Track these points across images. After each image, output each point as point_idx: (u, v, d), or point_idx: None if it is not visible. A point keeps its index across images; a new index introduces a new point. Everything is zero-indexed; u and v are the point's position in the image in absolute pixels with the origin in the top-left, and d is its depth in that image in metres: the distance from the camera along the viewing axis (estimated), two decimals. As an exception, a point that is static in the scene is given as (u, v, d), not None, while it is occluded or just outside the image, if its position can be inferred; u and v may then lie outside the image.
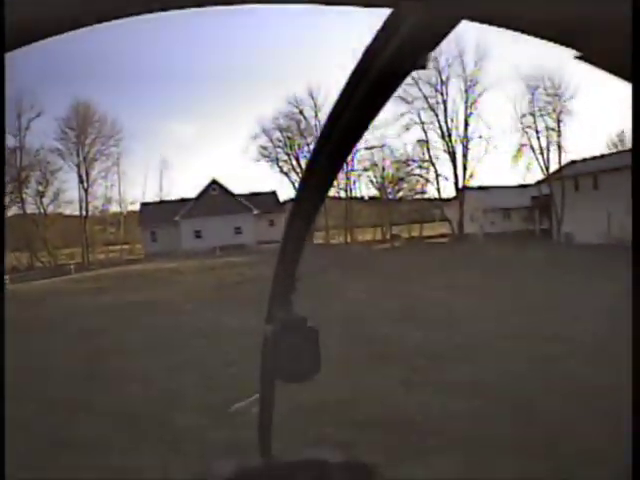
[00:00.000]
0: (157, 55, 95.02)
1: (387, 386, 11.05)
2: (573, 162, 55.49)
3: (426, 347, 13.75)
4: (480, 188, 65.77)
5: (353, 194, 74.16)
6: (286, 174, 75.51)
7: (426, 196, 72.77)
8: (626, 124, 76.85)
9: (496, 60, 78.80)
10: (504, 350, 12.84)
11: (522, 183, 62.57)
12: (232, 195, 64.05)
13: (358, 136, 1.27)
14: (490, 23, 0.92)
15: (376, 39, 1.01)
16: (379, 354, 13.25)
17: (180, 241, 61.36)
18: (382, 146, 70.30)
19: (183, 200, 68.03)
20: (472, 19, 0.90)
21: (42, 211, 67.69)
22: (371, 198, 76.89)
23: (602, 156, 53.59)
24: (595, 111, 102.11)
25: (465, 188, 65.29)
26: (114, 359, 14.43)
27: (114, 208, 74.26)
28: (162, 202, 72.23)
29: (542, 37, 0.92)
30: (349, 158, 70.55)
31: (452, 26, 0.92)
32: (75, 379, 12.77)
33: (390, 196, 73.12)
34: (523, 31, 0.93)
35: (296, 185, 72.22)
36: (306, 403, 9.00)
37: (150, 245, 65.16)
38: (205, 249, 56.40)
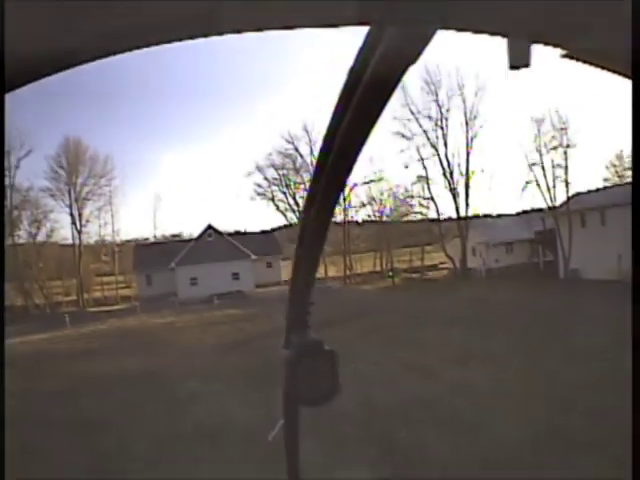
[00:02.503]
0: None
1: None
2: (578, 194, 55.22)
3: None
4: (482, 216, 65.79)
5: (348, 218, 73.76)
6: (283, 213, 75.43)
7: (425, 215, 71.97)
8: (626, 145, 76.85)
9: (499, 91, 79.01)
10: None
11: (525, 209, 62.32)
12: (228, 241, 63.67)
13: (355, 153, 1.30)
14: (467, 30, 1.05)
15: (359, 56, 1.10)
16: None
17: (176, 288, 60.75)
18: (380, 179, 70.32)
19: (177, 238, 67.65)
20: (448, 27, 1.02)
21: (35, 249, 67.07)
22: (366, 221, 77.22)
23: (611, 187, 53.29)
24: (599, 140, 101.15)
25: (467, 219, 64.95)
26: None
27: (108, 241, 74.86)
28: (156, 243, 72.89)
29: (524, 38, 1.06)
30: (346, 191, 70.79)
31: (429, 36, 0.99)
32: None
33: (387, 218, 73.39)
34: (502, 34, 1.06)
35: (293, 225, 72.32)
36: None
37: (145, 289, 64.80)
38: (202, 297, 55.90)
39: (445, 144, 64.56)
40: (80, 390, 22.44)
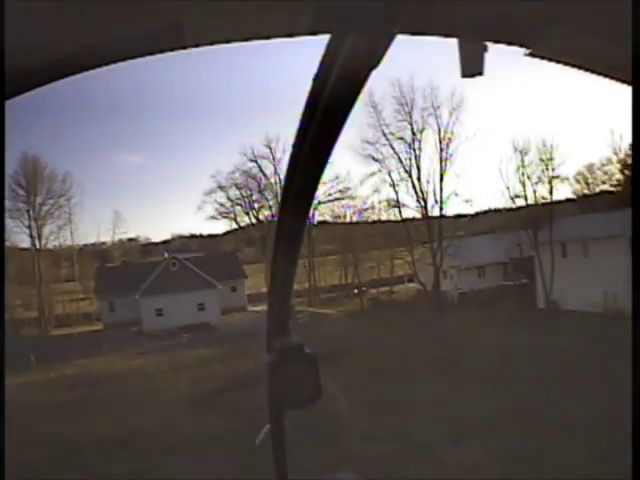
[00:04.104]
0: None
1: None
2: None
3: None
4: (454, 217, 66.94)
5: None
6: (252, 245, 75.04)
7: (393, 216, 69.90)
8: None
9: (478, 115, 79.38)
10: None
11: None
12: (193, 270, 62.69)
13: (325, 158, 1.40)
14: (426, 34, 1.11)
15: (322, 63, 1.18)
16: None
17: (141, 318, 60.01)
18: (343, 198, 69.62)
19: (133, 242, 66.34)
20: (407, 32, 1.07)
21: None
22: (324, 222, 75.09)
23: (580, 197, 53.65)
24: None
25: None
26: None
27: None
28: (119, 266, 72.64)
29: (485, 39, 1.12)
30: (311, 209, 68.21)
31: (389, 41, 1.08)
32: None
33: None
34: (463, 36, 1.11)
35: (257, 246, 71.73)
36: None
37: (108, 315, 64.01)
38: (169, 329, 55.14)
39: (418, 168, 63.71)
40: (48, 465, 21.77)
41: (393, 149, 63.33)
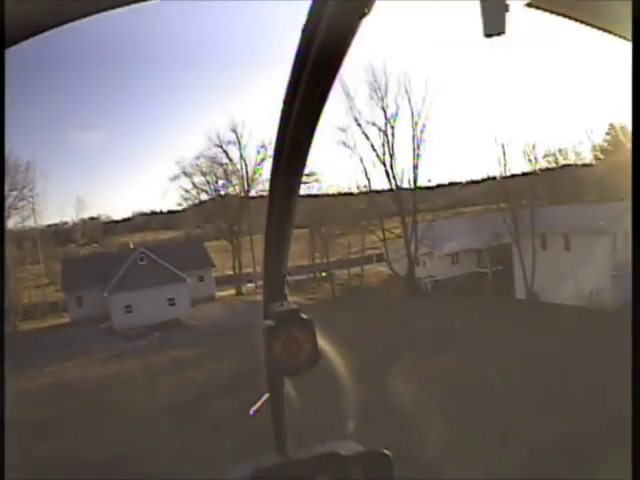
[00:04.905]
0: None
1: None
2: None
3: None
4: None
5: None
6: (213, 221, 74.16)
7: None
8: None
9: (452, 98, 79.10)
10: None
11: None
12: (161, 264, 61.42)
13: (317, 111, 1.35)
14: None
15: (310, 14, 1.15)
16: None
17: (110, 316, 58.69)
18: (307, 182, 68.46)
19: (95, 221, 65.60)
20: None
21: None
22: None
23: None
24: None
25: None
26: None
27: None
28: (84, 258, 72.78)
29: None
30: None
31: None
32: None
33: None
34: None
35: (222, 231, 71.38)
36: None
37: (76, 310, 63.23)
38: (138, 328, 54.36)
39: (391, 154, 63.06)
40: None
41: (365, 136, 62.58)
